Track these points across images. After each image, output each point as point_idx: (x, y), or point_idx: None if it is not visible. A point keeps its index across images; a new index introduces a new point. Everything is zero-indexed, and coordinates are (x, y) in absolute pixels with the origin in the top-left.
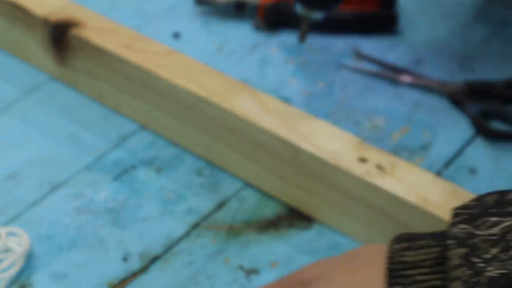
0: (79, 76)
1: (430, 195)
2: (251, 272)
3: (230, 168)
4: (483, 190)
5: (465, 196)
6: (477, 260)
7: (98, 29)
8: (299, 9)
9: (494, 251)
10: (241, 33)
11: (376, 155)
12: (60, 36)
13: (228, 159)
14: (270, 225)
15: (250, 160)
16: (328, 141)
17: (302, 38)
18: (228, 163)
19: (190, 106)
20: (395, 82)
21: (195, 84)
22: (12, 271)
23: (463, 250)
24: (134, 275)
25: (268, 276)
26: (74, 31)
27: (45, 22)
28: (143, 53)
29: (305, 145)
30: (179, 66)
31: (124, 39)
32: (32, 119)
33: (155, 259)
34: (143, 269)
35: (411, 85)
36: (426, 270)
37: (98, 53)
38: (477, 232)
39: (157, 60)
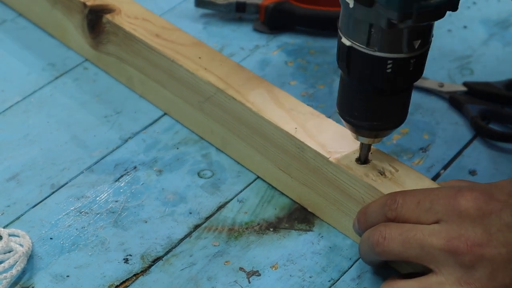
0: (111, 60)
1: None
2: (252, 274)
3: (241, 160)
4: None
5: None
6: None
7: (131, 16)
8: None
9: None
10: (242, 34)
11: (376, 157)
12: (96, 21)
13: (240, 151)
14: (271, 227)
15: (260, 153)
16: (334, 140)
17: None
18: (240, 155)
19: (207, 97)
20: None
21: (214, 75)
22: (14, 272)
23: None
24: (135, 276)
25: (269, 278)
26: (109, 17)
27: (83, 6)
28: (170, 42)
29: (310, 142)
30: (202, 57)
31: (154, 27)
32: (34, 121)
33: (156, 260)
34: (144, 270)
35: None
36: None
37: (129, 40)
38: None
39: (182, 50)
